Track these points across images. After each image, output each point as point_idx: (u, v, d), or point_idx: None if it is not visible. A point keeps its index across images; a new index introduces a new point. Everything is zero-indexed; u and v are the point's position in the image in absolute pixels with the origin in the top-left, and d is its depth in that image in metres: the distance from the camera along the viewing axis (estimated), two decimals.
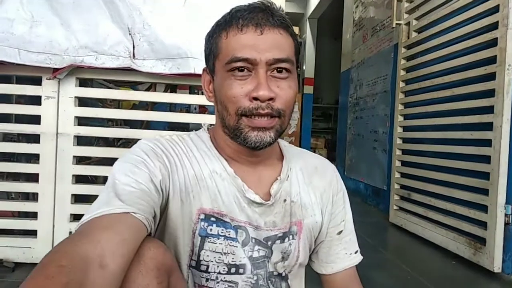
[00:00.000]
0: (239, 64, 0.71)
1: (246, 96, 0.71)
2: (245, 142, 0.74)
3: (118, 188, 0.66)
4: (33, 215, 1.83)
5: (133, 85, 2.52)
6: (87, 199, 1.89)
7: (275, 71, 0.73)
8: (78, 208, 1.83)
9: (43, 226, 1.81)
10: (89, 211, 0.63)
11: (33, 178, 1.83)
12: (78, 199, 1.86)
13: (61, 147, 1.80)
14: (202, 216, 0.77)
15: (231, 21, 0.74)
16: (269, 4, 0.76)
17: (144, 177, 0.69)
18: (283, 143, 0.91)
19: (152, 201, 0.68)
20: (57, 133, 1.79)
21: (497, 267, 2.00)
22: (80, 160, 1.89)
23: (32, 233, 1.82)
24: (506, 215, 1.99)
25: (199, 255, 0.77)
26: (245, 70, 0.72)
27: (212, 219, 0.77)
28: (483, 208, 2.09)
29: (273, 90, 0.72)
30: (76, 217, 1.85)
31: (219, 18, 0.78)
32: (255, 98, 0.71)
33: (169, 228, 0.77)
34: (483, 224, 2.10)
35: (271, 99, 0.71)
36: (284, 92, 0.73)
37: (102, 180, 2.06)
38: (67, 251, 0.52)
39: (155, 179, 0.71)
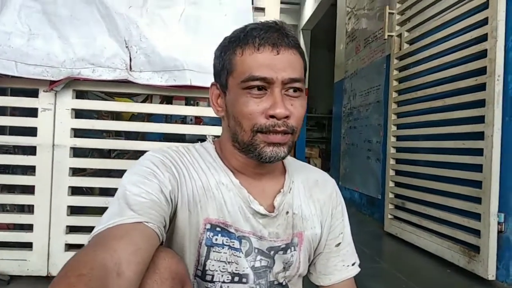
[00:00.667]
0: (256, 83, 0.73)
1: (262, 113, 0.74)
2: (259, 157, 0.76)
3: (130, 199, 0.68)
4: (28, 227, 1.81)
5: (132, 96, 2.54)
6: (83, 211, 1.88)
7: (289, 90, 0.75)
8: (74, 220, 1.82)
9: (38, 238, 1.80)
10: (101, 222, 0.64)
11: (29, 190, 1.82)
12: (74, 211, 1.85)
13: (58, 159, 1.79)
14: (208, 226, 0.78)
15: (247, 39, 0.75)
16: (282, 24, 0.79)
17: (154, 188, 0.71)
18: None
19: (163, 211, 0.70)
20: (53, 145, 1.79)
21: (491, 275, 2.01)
22: (75, 172, 1.89)
23: (28, 245, 1.81)
24: (499, 223, 2.01)
25: (204, 265, 0.78)
26: (261, 88, 0.74)
27: (218, 229, 0.79)
28: (477, 217, 2.11)
29: (288, 108, 0.74)
30: (72, 229, 1.84)
31: (230, 34, 0.80)
32: (272, 116, 0.73)
33: (177, 237, 0.78)
34: (476, 233, 2.11)
35: (286, 117, 0.74)
36: (297, 110, 0.76)
37: (98, 191, 2.06)
38: (86, 260, 0.53)
39: (165, 189, 0.73)
